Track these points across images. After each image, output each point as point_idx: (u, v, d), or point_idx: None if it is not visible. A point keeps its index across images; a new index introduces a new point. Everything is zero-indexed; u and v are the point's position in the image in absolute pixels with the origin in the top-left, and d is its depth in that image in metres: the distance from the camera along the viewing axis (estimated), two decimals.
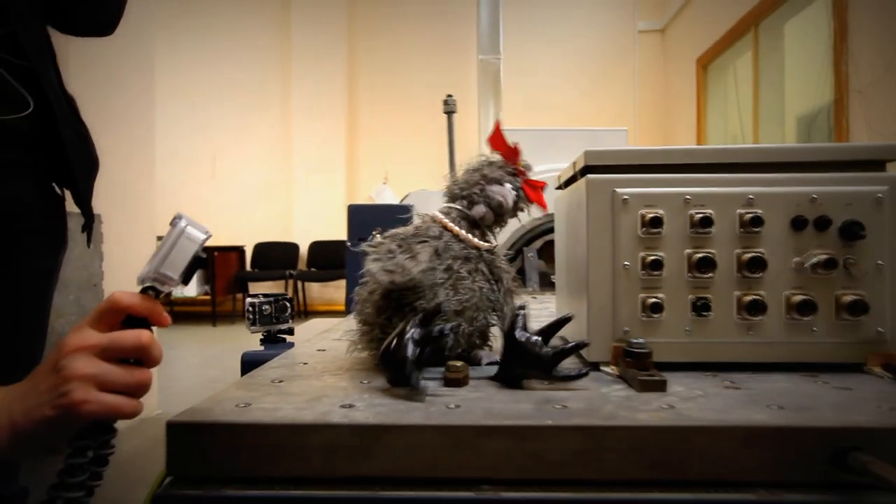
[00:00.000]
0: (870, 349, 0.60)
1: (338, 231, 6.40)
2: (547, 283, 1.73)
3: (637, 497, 0.42)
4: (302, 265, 6.57)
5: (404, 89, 6.80)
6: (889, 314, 0.60)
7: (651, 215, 0.60)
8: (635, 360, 0.56)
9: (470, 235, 0.67)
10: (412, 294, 0.60)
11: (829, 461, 0.42)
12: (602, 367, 0.62)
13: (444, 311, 0.57)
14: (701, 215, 0.60)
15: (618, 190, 0.61)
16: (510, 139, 0.71)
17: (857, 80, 2.88)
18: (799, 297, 0.60)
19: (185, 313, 6.43)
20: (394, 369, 0.53)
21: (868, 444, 0.42)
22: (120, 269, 2.31)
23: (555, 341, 0.57)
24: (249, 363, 0.80)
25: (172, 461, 0.45)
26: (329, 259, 6.39)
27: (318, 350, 0.76)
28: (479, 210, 0.68)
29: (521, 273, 1.74)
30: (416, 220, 0.69)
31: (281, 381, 0.58)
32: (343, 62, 6.78)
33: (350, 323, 0.90)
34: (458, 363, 0.57)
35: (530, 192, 0.71)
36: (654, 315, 0.61)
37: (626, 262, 0.61)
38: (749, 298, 0.60)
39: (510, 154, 0.71)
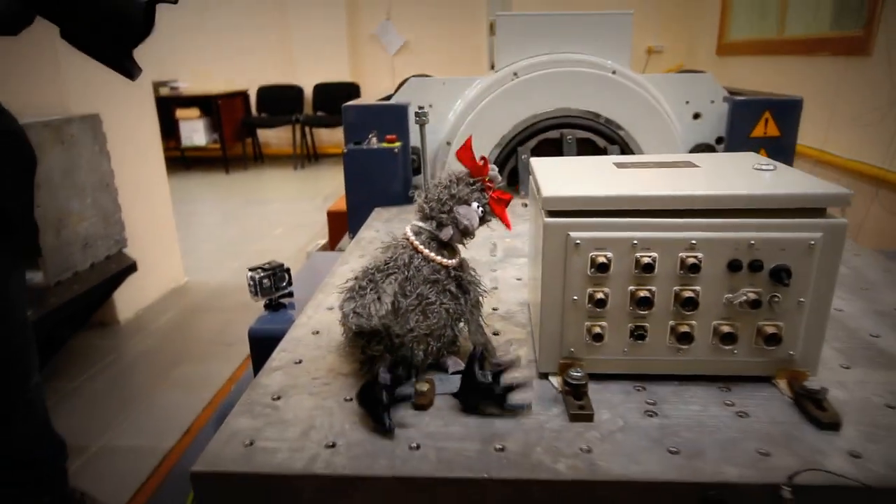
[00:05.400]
0: (780, 366, 0.70)
1: (342, 73, 6.18)
2: None
3: None
4: (308, 109, 6.45)
5: None
6: (801, 340, 0.68)
7: (600, 260, 0.66)
8: (572, 389, 0.67)
9: (439, 257, 0.73)
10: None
11: None
12: (550, 377, 0.73)
13: (410, 360, 0.67)
14: (647, 260, 0.66)
15: (571, 234, 0.67)
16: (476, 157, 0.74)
17: None
18: (725, 329, 0.68)
19: (197, 158, 6.51)
20: (369, 410, 0.64)
21: (733, 498, 0.54)
22: (128, 166, 2.35)
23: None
24: (256, 340, 0.92)
25: None
26: (336, 103, 6.24)
27: (314, 333, 0.87)
28: (447, 233, 0.73)
29: (514, 174, 1.77)
30: (389, 239, 0.75)
31: (278, 398, 0.70)
32: None
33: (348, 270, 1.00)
34: (425, 387, 0.69)
35: (496, 207, 0.76)
36: (597, 343, 0.70)
37: (575, 297, 0.69)
38: (682, 330, 0.68)
39: (477, 169, 0.75)
